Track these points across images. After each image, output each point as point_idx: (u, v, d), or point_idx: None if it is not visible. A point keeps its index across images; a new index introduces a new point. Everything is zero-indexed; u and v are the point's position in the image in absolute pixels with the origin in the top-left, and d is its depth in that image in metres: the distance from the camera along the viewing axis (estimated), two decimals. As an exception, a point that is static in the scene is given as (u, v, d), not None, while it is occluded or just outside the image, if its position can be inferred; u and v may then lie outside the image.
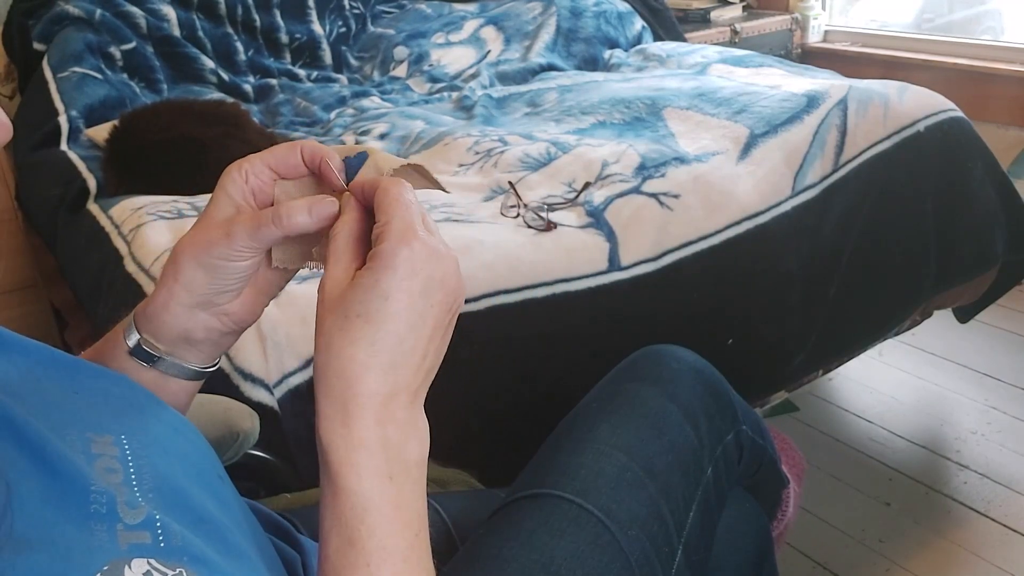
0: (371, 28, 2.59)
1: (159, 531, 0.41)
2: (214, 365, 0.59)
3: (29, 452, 0.41)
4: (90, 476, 0.42)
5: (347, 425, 0.47)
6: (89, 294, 1.48)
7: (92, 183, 1.68)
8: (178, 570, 0.39)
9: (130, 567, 0.38)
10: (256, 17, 2.38)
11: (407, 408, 0.49)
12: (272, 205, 0.54)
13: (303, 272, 1.28)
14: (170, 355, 0.56)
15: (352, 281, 0.48)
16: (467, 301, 1.17)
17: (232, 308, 0.55)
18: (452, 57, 2.40)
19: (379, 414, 0.48)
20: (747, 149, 1.52)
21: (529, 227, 1.35)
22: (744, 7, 2.98)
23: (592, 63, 2.39)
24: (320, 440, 0.48)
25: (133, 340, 0.56)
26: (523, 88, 2.14)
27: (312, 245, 0.55)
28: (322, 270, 0.51)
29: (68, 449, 0.42)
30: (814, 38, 2.97)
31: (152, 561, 0.39)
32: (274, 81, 2.31)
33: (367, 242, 0.50)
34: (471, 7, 2.62)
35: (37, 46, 2.11)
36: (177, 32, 2.24)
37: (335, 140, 1.89)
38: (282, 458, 1.06)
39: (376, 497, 0.47)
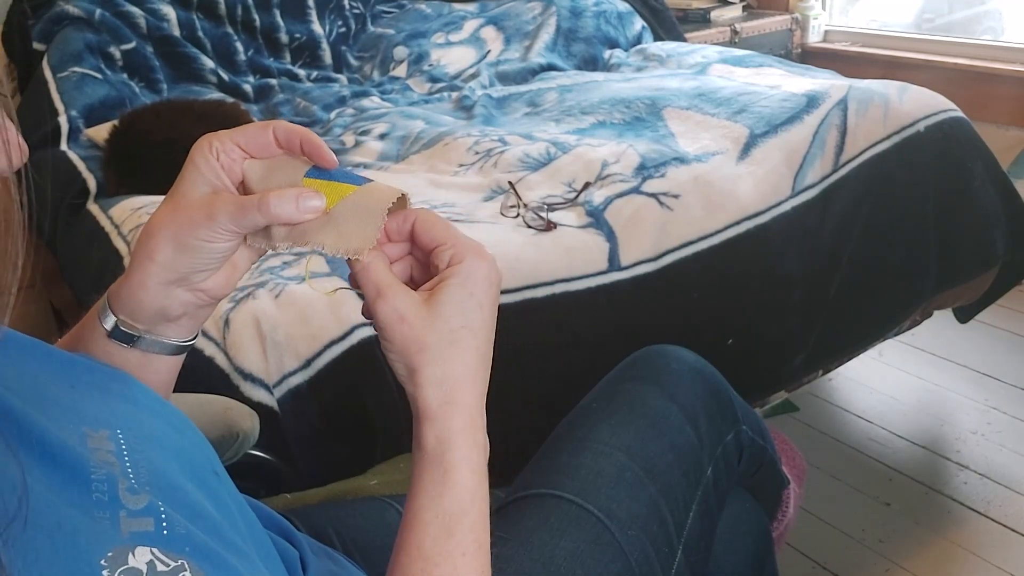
0: (371, 28, 2.59)
1: (163, 518, 0.41)
2: (193, 338, 0.58)
3: (29, 443, 0.40)
4: (90, 464, 0.42)
5: (472, 426, 0.53)
6: (89, 294, 1.48)
7: (92, 183, 1.68)
8: (180, 561, 0.39)
9: (133, 555, 0.38)
10: (256, 17, 2.38)
11: (484, 409, 0.55)
12: (242, 183, 0.54)
13: (303, 273, 1.27)
14: (149, 333, 0.55)
15: (440, 297, 0.52)
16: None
17: (208, 285, 0.54)
18: (452, 57, 2.40)
19: (483, 415, 0.54)
20: (747, 149, 1.52)
21: (529, 227, 1.35)
22: (744, 7, 2.97)
23: (592, 63, 2.39)
24: (438, 438, 0.52)
25: (110, 323, 0.55)
26: (523, 88, 2.14)
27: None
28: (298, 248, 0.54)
29: (67, 440, 0.42)
30: (814, 38, 2.96)
31: (155, 550, 0.39)
32: (274, 81, 2.31)
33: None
34: (471, 7, 2.62)
35: (37, 46, 2.11)
36: (177, 32, 2.23)
37: (335, 140, 1.89)
38: (282, 458, 1.06)
39: (479, 492, 0.53)
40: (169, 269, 0.52)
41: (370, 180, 0.55)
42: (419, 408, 0.53)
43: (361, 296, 0.55)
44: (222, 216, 0.51)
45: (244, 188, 0.54)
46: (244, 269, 0.57)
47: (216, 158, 0.53)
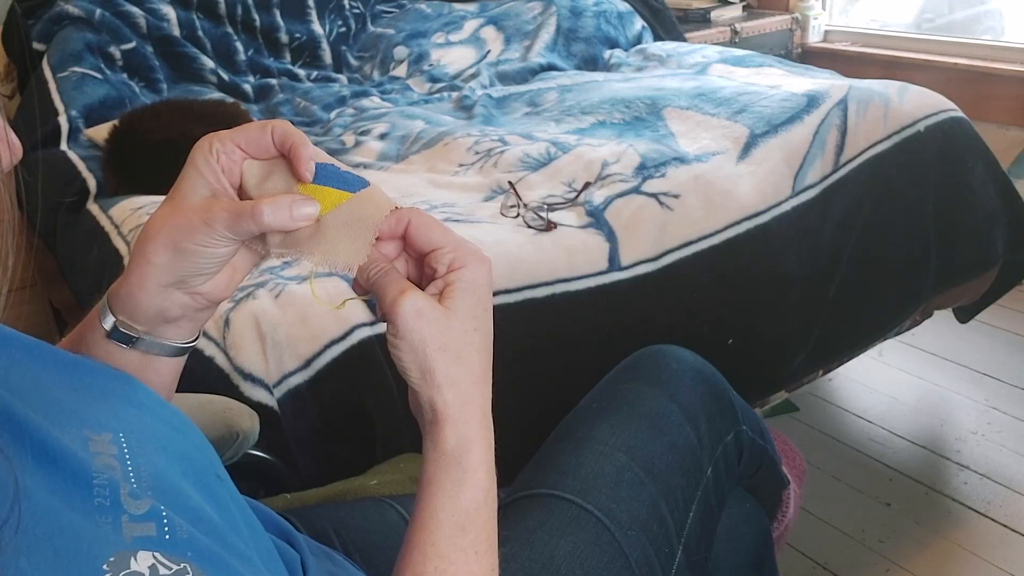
0: (371, 28, 2.59)
1: (165, 523, 0.41)
2: (194, 339, 0.58)
3: (31, 446, 0.40)
4: (92, 469, 0.41)
5: (486, 427, 0.55)
6: (89, 294, 1.48)
7: (92, 183, 1.68)
8: (183, 564, 0.39)
9: (136, 559, 0.38)
10: (256, 17, 2.38)
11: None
12: (241, 185, 0.54)
13: (303, 273, 1.27)
14: (148, 334, 0.55)
15: (452, 300, 0.53)
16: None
17: (206, 288, 0.54)
18: (452, 57, 2.39)
19: (490, 415, 0.55)
20: (747, 149, 1.52)
21: (529, 227, 1.35)
22: (744, 7, 2.97)
23: (592, 63, 2.39)
24: (459, 439, 0.53)
25: (109, 323, 0.55)
26: (523, 88, 2.14)
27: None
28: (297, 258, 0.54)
29: (69, 444, 0.42)
30: (814, 38, 2.96)
31: (157, 554, 0.39)
32: (274, 81, 2.31)
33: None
34: (471, 7, 2.62)
35: (37, 46, 2.11)
36: (177, 32, 2.23)
37: (335, 140, 1.89)
38: (282, 458, 1.06)
39: (491, 492, 0.55)
40: (167, 272, 0.52)
41: (366, 184, 0.55)
42: (437, 410, 0.53)
43: (366, 301, 0.56)
44: (219, 223, 0.51)
45: (241, 190, 0.54)
46: (244, 272, 0.57)
47: (216, 159, 0.53)
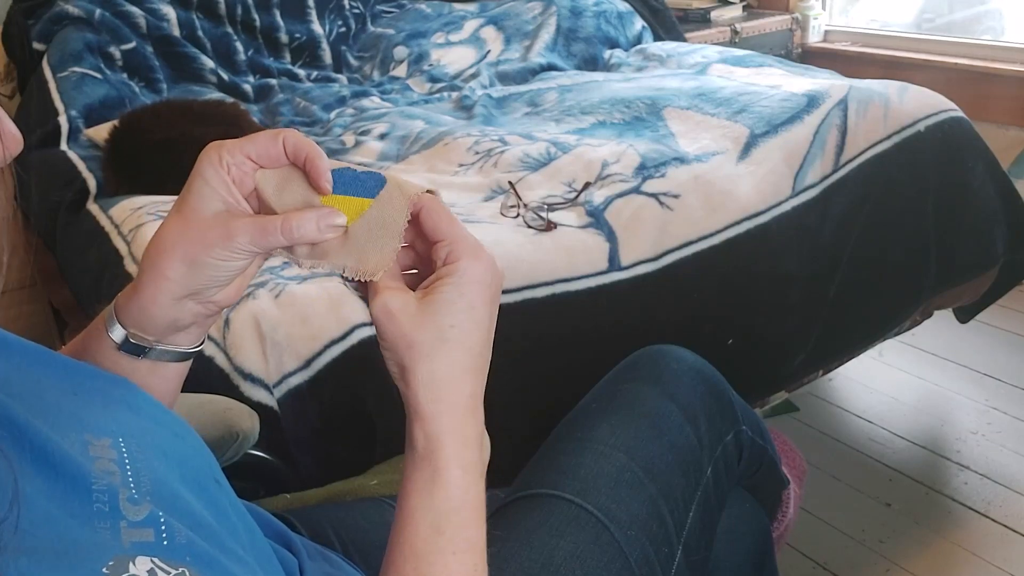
0: (371, 28, 2.59)
1: (163, 529, 0.41)
2: (201, 343, 0.59)
3: (31, 451, 0.41)
4: (91, 475, 0.42)
5: (463, 424, 0.53)
6: (89, 294, 1.48)
7: (92, 183, 1.68)
8: (181, 569, 0.40)
9: (134, 563, 0.38)
10: (256, 17, 2.37)
11: (481, 407, 0.55)
12: (253, 194, 0.54)
13: (303, 272, 1.27)
14: (159, 343, 0.55)
15: (431, 297, 0.52)
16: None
17: (219, 296, 0.55)
18: (452, 57, 2.39)
19: (476, 414, 0.54)
20: (747, 149, 1.52)
21: (529, 227, 1.35)
22: (744, 7, 2.97)
23: (592, 63, 2.39)
24: (427, 437, 0.52)
25: (119, 335, 0.55)
26: (523, 88, 2.14)
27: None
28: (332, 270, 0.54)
29: (69, 449, 0.42)
30: (814, 38, 2.96)
31: (156, 559, 0.39)
32: (274, 81, 2.31)
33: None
34: (471, 7, 2.62)
35: (37, 46, 2.11)
36: (177, 32, 2.23)
37: (335, 140, 1.89)
38: (282, 458, 1.06)
39: (472, 490, 0.53)
40: (182, 285, 0.52)
41: (382, 180, 0.54)
42: (410, 406, 0.53)
43: (362, 298, 0.56)
44: (242, 237, 0.51)
45: (259, 200, 0.54)
46: (252, 276, 0.57)
47: (227, 171, 0.52)
